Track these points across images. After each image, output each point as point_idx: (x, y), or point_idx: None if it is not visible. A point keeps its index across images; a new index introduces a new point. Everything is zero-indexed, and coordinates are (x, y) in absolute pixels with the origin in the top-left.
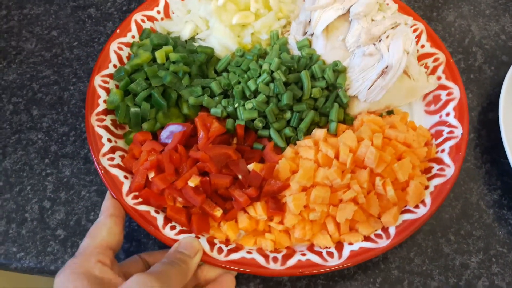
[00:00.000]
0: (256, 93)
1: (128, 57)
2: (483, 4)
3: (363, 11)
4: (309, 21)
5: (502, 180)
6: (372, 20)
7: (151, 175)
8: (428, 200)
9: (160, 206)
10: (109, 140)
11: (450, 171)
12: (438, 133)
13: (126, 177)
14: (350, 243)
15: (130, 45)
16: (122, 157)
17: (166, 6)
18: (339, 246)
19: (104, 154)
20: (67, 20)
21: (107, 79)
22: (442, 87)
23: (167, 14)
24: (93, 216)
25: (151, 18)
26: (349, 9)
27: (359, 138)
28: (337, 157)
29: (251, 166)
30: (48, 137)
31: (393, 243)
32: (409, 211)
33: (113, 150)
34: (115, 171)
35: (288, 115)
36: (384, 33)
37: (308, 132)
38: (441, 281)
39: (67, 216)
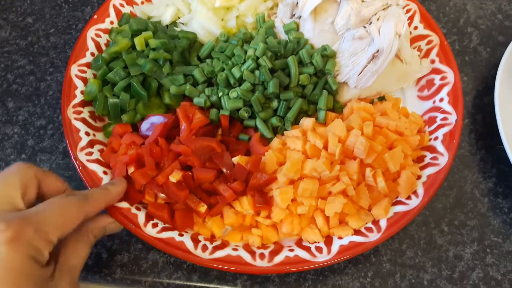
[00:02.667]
0: (241, 80)
1: (107, 45)
2: None
3: None
4: (297, 3)
5: (498, 167)
6: (362, 1)
7: (131, 170)
8: (420, 190)
9: (138, 201)
10: (87, 134)
11: (443, 159)
12: (431, 119)
13: (105, 173)
14: (340, 237)
15: (108, 32)
16: (101, 151)
17: None
18: (328, 240)
19: (82, 149)
20: (42, 5)
21: (85, 68)
22: (436, 71)
23: None
24: None
25: (130, 2)
26: None
27: (349, 127)
28: (326, 147)
29: (236, 159)
30: (24, 131)
31: (384, 236)
32: (400, 202)
33: (91, 144)
34: (94, 166)
35: (275, 103)
36: (375, 14)
37: (296, 122)
38: (434, 274)
39: None
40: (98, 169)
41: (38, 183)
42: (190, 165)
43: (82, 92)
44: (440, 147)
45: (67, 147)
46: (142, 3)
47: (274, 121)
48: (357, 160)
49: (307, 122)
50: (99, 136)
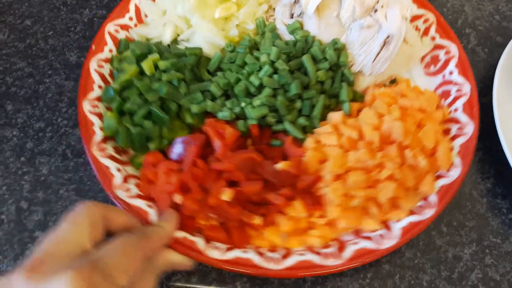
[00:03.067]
0: (260, 88)
1: (111, 74)
2: None
3: None
4: (294, 1)
5: (496, 168)
6: None
7: (178, 198)
8: (457, 161)
9: (195, 229)
10: (119, 170)
11: (469, 128)
12: (445, 93)
13: (150, 206)
14: (398, 221)
15: (109, 61)
16: (137, 185)
17: (138, 10)
18: (387, 226)
19: (119, 187)
20: (41, 7)
21: (96, 102)
22: (438, 46)
23: (139, 19)
24: None
25: (124, 27)
26: None
27: (378, 114)
28: (361, 137)
29: (279, 166)
30: (23, 133)
31: (438, 210)
32: (442, 176)
33: (125, 179)
34: (136, 202)
35: (298, 104)
36: (377, 2)
37: (321, 118)
38: (433, 275)
39: (46, 216)
40: (141, 204)
41: (106, 222)
42: (234, 181)
43: (101, 129)
44: (463, 117)
45: (66, 149)
46: (136, 25)
47: (302, 121)
48: (395, 144)
49: (335, 116)
50: (130, 169)
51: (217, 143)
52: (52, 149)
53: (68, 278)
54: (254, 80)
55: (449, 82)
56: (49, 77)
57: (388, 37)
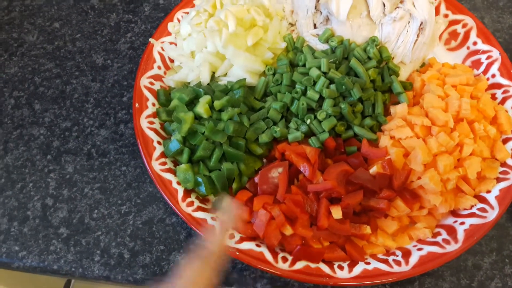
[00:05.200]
0: (319, 101)
1: (162, 127)
2: None
3: None
4: (315, 12)
5: None
6: None
7: (287, 230)
8: None
9: (321, 258)
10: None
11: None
12: (475, 63)
13: (258, 245)
14: (488, 191)
15: (155, 115)
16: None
17: (163, 58)
18: (482, 198)
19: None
20: (69, 11)
21: (162, 159)
22: (454, 22)
23: (167, 66)
24: (96, 214)
25: (157, 77)
26: None
27: (438, 96)
28: (433, 123)
29: (373, 170)
30: (50, 132)
31: (500, 212)
32: (509, 139)
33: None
34: (248, 245)
35: (359, 107)
36: None
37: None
38: (452, 282)
39: (70, 213)
40: (251, 246)
41: None
42: (333, 198)
43: (178, 183)
44: (504, 81)
45: (92, 149)
46: (165, 73)
47: (369, 121)
48: (464, 120)
49: (400, 109)
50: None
51: (303, 166)
52: (78, 148)
53: None
54: (313, 95)
55: (477, 52)
56: (76, 78)
57: (421, 23)
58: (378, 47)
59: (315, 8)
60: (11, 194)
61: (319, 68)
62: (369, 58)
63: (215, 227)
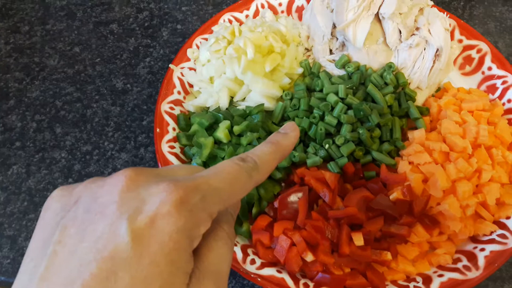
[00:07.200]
0: (337, 126)
1: (182, 152)
2: (509, 20)
3: (396, 9)
4: (331, 38)
5: None
6: (400, 14)
7: (308, 257)
8: None
9: (343, 283)
10: (236, 244)
11: None
12: (491, 88)
13: (279, 271)
14: (508, 217)
15: (175, 140)
16: (254, 253)
17: (182, 83)
18: (501, 224)
19: (244, 261)
20: (89, 36)
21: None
22: (468, 47)
23: (186, 91)
24: None
25: (177, 102)
26: (376, 13)
27: (455, 122)
28: (451, 149)
29: (394, 196)
30: (71, 155)
31: None
32: None
33: (245, 252)
34: (268, 272)
35: (378, 132)
36: (415, 22)
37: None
38: None
39: None
40: (273, 272)
41: None
42: (353, 224)
43: None
44: None
45: (112, 172)
46: (184, 98)
47: (387, 146)
48: (482, 146)
49: (418, 134)
50: (241, 239)
51: (323, 192)
52: (99, 171)
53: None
54: (332, 120)
55: (492, 77)
56: (96, 102)
57: (437, 50)
58: (394, 73)
59: (331, 34)
60: (34, 217)
61: (336, 93)
62: (386, 84)
63: None
